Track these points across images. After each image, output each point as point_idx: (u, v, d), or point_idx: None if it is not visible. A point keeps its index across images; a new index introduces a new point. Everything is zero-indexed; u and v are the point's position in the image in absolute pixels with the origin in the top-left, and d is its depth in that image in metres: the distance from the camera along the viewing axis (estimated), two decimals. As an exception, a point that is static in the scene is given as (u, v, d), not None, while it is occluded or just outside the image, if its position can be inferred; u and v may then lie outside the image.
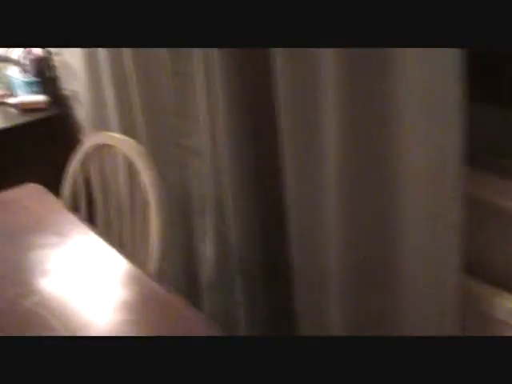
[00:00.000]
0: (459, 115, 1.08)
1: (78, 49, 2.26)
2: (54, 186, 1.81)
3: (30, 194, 1.72)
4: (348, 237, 1.36)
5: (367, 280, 1.36)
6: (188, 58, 1.65)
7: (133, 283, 1.32)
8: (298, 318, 1.62)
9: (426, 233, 1.21)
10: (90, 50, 2.18)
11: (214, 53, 1.52)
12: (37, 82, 2.54)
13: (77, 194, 1.77)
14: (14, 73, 2.59)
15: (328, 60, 1.23)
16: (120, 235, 1.70)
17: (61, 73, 2.46)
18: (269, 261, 1.72)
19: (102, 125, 2.30)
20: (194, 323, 1.18)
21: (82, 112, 2.46)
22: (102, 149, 1.74)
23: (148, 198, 1.53)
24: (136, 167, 1.59)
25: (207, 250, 1.91)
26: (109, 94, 2.16)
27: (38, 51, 2.55)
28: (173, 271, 2.04)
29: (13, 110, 2.54)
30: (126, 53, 1.92)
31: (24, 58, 2.56)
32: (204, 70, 1.58)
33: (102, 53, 2.09)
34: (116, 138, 1.71)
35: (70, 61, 2.40)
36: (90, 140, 1.80)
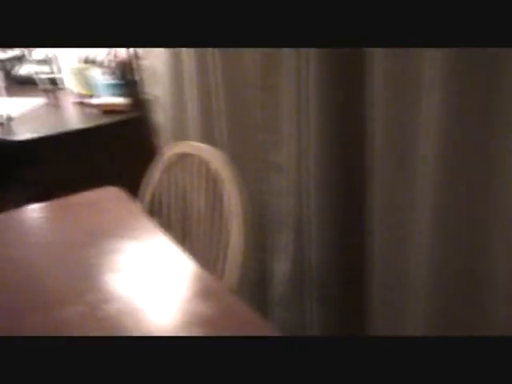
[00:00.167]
0: None
1: (164, 54, 2.28)
2: (129, 188, 1.81)
3: (110, 197, 1.72)
4: (439, 251, 1.28)
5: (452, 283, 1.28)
6: (278, 71, 1.62)
7: (210, 296, 1.30)
8: (373, 333, 1.56)
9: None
10: (176, 55, 2.19)
11: (307, 67, 1.49)
12: (120, 85, 2.56)
13: (156, 201, 1.76)
14: (98, 75, 2.62)
15: (433, 60, 1.16)
16: (197, 245, 1.68)
17: (144, 77, 2.47)
18: (348, 279, 1.67)
19: (180, 131, 2.30)
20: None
21: (161, 117, 2.47)
22: (184, 157, 1.73)
23: (232, 209, 1.50)
24: (221, 178, 1.56)
25: (282, 265, 1.87)
26: (191, 101, 2.16)
27: (122, 54, 2.58)
28: (243, 285, 2.01)
29: (94, 110, 2.58)
30: (213, 62, 1.91)
31: (109, 60, 2.59)
32: (295, 84, 1.55)
33: (188, 59, 2.09)
34: (200, 147, 1.70)
35: (155, 65, 2.42)
36: (173, 147, 1.80)
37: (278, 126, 1.71)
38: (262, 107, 1.75)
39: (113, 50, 2.63)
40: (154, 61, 2.41)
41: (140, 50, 2.43)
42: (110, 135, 2.49)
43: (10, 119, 2.43)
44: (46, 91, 2.74)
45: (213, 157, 1.62)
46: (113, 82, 2.57)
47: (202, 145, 1.72)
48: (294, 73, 1.55)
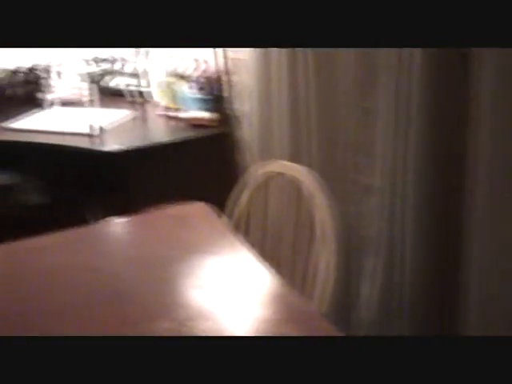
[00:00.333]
0: None
1: (254, 70, 2.26)
2: (212, 203, 1.79)
3: (198, 213, 1.71)
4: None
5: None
6: (376, 91, 1.58)
7: (298, 318, 1.25)
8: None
9: None
10: (266, 71, 2.17)
11: (409, 85, 1.43)
12: (207, 100, 2.57)
13: (244, 218, 1.74)
14: (186, 89, 2.64)
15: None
16: (285, 265, 1.64)
17: (232, 92, 2.46)
18: (443, 306, 1.59)
19: (266, 149, 2.28)
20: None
21: (247, 133, 2.45)
22: (274, 176, 1.70)
23: (324, 231, 1.46)
24: (313, 198, 1.52)
25: (368, 289, 1.81)
26: (279, 118, 2.13)
27: (211, 69, 2.59)
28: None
29: (181, 124, 2.59)
30: (306, 80, 1.88)
31: (197, 75, 2.61)
32: (394, 105, 1.50)
33: (279, 76, 2.07)
34: (291, 167, 1.66)
35: (244, 81, 2.41)
36: (263, 165, 1.77)
37: (373, 147, 1.65)
38: (357, 128, 1.70)
39: (202, 64, 2.65)
40: (244, 76, 2.40)
41: (231, 66, 2.43)
42: (196, 149, 2.49)
43: (101, 130, 2.48)
44: (134, 104, 2.79)
45: (304, 176, 1.59)
46: (200, 96, 2.58)
47: (293, 164, 1.69)
48: (393, 93, 1.50)
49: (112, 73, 2.98)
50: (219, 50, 2.36)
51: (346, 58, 1.73)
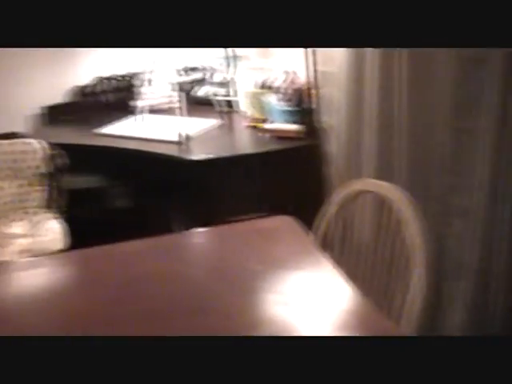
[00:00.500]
0: None
1: (344, 82, 2.23)
2: (296, 216, 1.77)
3: (283, 227, 1.69)
4: None
5: None
6: (478, 112, 1.51)
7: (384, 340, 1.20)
8: None
9: None
10: (358, 85, 2.13)
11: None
12: (294, 112, 2.56)
13: (330, 235, 1.71)
14: (274, 100, 2.64)
15: None
16: (371, 285, 1.60)
17: (320, 105, 2.44)
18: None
19: (354, 164, 2.24)
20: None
21: (334, 147, 2.42)
22: (363, 194, 1.66)
23: (415, 252, 1.41)
24: (404, 218, 1.48)
25: (456, 313, 1.73)
26: (369, 134, 2.09)
27: (300, 82, 2.58)
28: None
29: (267, 135, 2.59)
30: (399, 95, 1.83)
31: (286, 87, 2.60)
32: (495, 125, 1.43)
33: (371, 90, 2.02)
34: (381, 185, 1.62)
35: (333, 94, 2.38)
36: (352, 182, 1.73)
37: (471, 169, 1.58)
38: (452, 148, 1.64)
39: (290, 76, 2.64)
40: (333, 89, 2.37)
41: (320, 79, 2.40)
42: (281, 162, 2.48)
43: (188, 138, 2.51)
44: (221, 113, 2.81)
45: (395, 196, 1.54)
46: (288, 108, 2.57)
47: (382, 182, 1.64)
48: (496, 112, 1.43)
49: (201, 82, 3.02)
50: (310, 63, 2.34)
51: (444, 73, 1.67)
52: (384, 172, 1.98)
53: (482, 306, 1.63)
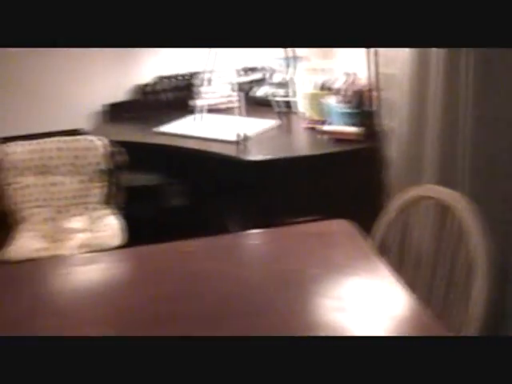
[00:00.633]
0: None
1: (406, 85, 2.18)
2: (353, 220, 1.74)
3: (340, 230, 1.67)
4: None
5: None
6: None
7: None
8: None
9: None
10: (420, 87, 2.08)
11: None
12: (354, 114, 2.52)
13: (388, 241, 1.67)
14: (333, 102, 2.60)
15: None
16: (429, 293, 1.56)
17: (381, 107, 2.39)
18: None
19: (414, 169, 2.18)
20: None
21: (394, 151, 2.37)
22: (423, 200, 1.62)
23: (477, 261, 1.36)
24: (466, 226, 1.43)
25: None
26: (431, 137, 2.03)
27: (360, 84, 2.54)
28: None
29: (325, 137, 2.56)
30: (466, 98, 1.77)
31: (346, 88, 2.56)
32: None
33: (434, 92, 1.97)
34: (442, 191, 1.57)
35: (394, 97, 2.33)
36: (413, 188, 1.69)
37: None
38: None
39: (351, 78, 2.60)
40: (394, 91, 2.33)
41: (382, 81, 2.36)
42: (340, 164, 2.44)
43: (246, 139, 2.50)
44: (279, 114, 2.80)
45: (457, 203, 1.49)
46: (347, 110, 2.53)
47: (445, 189, 1.59)
48: None
49: (260, 82, 3.02)
50: (371, 65, 2.30)
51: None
52: (446, 178, 1.92)
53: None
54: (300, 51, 2.96)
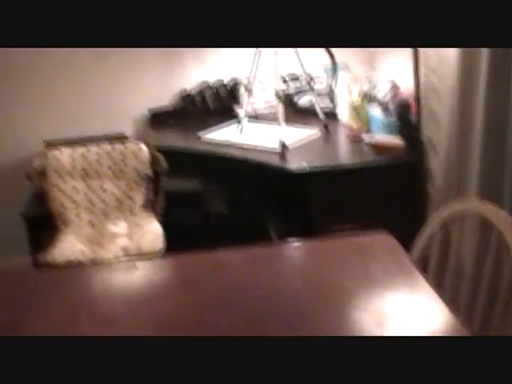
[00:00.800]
0: None
1: (449, 96, 2.16)
2: (394, 231, 1.73)
3: (380, 244, 1.65)
4: None
5: None
6: None
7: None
8: None
9: None
10: (463, 99, 2.05)
11: None
12: (397, 124, 2.50)
13: (429, 255, 1.65)
14: (376, 112, 2.59)
15: None
16: (470, 309, 1.54)
17: (423, 119, 2.37)
18: None
19: (457, 181, 2.16)
20: None
21: (436, 163, 2.35)
22: (465, 215, 1.60)
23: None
24: (508, 244, 1.41)
25: None
26: (473, 152, 2.01)
27: (403, 94, 2.52)
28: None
29: (367, 147, 2.55)
30: (511, 112, 1.75)
31: (389, 98, 2.55)
32: None
33: (478, 106, 1.95)
34: (484, 208, 1.55)
35: (436, 108, 2.31)
36: (454, 203, 1.67)
37: None
38: None
39: (394, 88, 2.58)
40: (438, 103, 2.30)
41: (425, 92, 2.34)
42: (381, 175, 2.43)
43: (288, 147, 2.51)
44: (322, 122, 2.80)
45: (501, 220, 1.47)
46: (390, 120, 2.52)
47: (488, 205, 1.57)
48: None
49: (303, 91, 3.02)
50: (413, 75, 2.28)
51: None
52: (490, 191, 1.89)
53: None
54: (343, 59, 2.95)
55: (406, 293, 1.44)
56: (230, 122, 2.96)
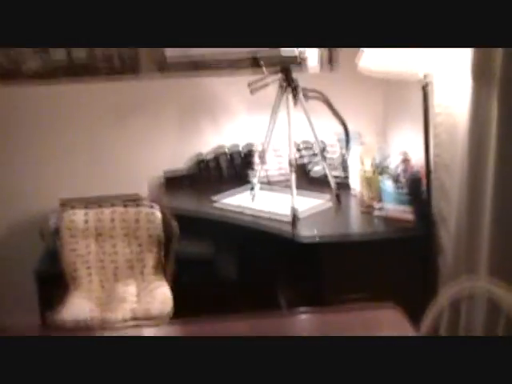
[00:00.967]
0: None
1: (459, 171, 2.19)
2: (405, 305, 1.73)
3: (389, 318, 1.66)
4: None
5: None
6: None
7: None
8: None
9: None
10: (473, 176, 2.08)
11: None
12: (408, 197, 2.52)
13: (438, 332, 1.65)
14: (388, 183, 2.62)
15: None
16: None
17: (434, 192, 2.39)
18: None
19: (466, 256, 2.16)
20: None
21: (446, 237, 2.36)
22: (474, 293, 1.60)
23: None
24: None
25: None
26: (483, 228, 2.02)
27: (415, 167, 2.55)
28: None
29: (378, 219, 2.57)
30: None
31: (401, 170, 2.58)
32: None
33: (488, 182, 1.97)
34: (495, 288, 1.55)
35: (447, 182, 2.34)
36: (463, 281, 1.68)
37: None
38: None
39: (406, 160, 2.62)
40: (447, 177, 2.34)
41: (436, 166, 2.37)
42: (391, 247, 2.44)
43: (299, 216, 2.54)
44: (334, 192, 2.82)
45: (507, 301, 1.47)
46: (401, 192, 2.54)
47: (497, 286, 1.57)
48: None
49: (316, 159, 3.07)
50: (423, 150, 2.31)
51: None
52: (500, 269, 1.89)
53: None
54: (356, 129, 3.00)
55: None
56: (243, 187, 3.00)
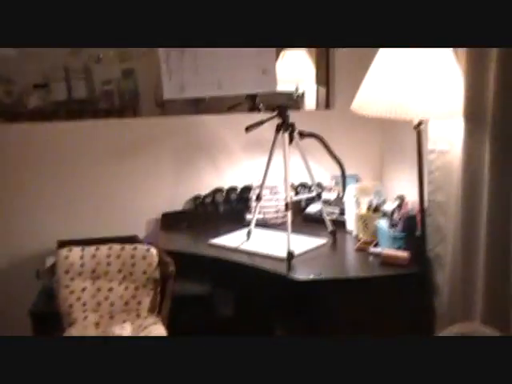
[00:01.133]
0: None
1: (453, 211, 2.20)
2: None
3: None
4: None
5: None
6: None
7: None
8: None
9: None
10: (469, 215, 2.09)
11: None
12: (403, 238, 2.54)
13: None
14: (384, 224, 2.63)
15: None
16: None
17: (429, 233, 2.40)
18: None
19: (462, 298, 2.16)
20: None
21: (441, 277, 2.36)
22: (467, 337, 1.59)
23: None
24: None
25: None
26: (478, 269, 2.02)
27: (410, 207, 2.57)
28: None
29: (373, 259, 2.57)
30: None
31: (396, 212, 2.60)
32: None
33: (482, 220, 1.98)
34: (484, 332, 1.55)
35: (440, 222, 2.35)
36: (458, 325, 1.68)
37: None
38: None
39: (401, 202, 2.64)
40: (440, 217, 2.35)
41: (430, 206, 2.38)
42: (387, 287, 2.44)
43: (295, 256, 2.54)
44: (330, 232, 2.83)
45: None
46: (396, 233, 2.56)
47: (485, 329, 1.57)
48: None
49: (312, 200, 3.09)
50: (417, 190, 2.33)
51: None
52: (494, 311, 1.89)
53: None
54: (353, 171, 3.03)
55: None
56: (239, 227, 3.02)
